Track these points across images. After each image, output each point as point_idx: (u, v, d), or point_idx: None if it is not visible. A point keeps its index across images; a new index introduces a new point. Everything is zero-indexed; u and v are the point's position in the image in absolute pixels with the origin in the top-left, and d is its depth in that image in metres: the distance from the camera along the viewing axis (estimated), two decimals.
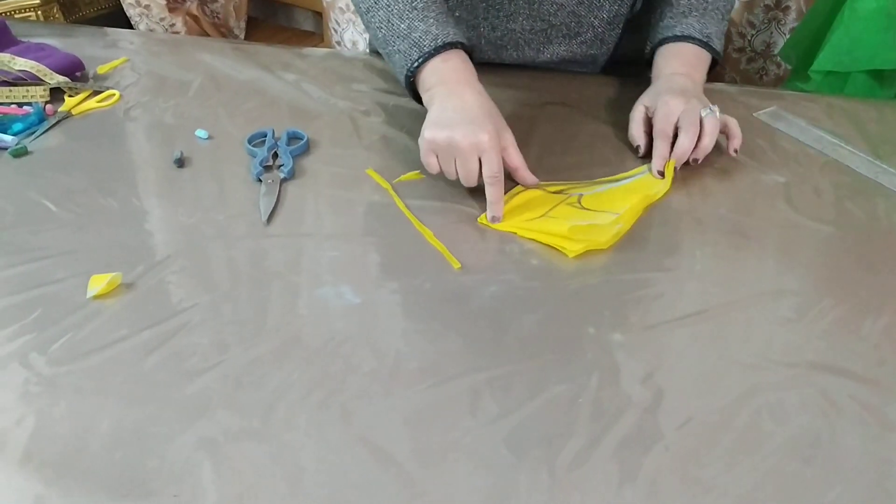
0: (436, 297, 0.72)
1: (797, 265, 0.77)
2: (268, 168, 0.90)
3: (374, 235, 0.80)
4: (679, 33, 1.01)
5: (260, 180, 0.88)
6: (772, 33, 1.95)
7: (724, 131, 0.93)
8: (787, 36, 1.85)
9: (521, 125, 0.99)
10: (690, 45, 1.00)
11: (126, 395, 0.61)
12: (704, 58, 1.01)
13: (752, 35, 1.98)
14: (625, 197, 0.86)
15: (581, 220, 0.80)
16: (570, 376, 0.63)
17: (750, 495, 0.54)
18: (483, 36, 1.11)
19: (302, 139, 0.96)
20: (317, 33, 2.59)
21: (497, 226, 0.81)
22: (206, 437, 0.58)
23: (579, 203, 0.85)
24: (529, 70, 1.14)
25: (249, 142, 0.94)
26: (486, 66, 1.13)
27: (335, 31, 2.34)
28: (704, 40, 1.00)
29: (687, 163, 0.90)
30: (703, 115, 0.90)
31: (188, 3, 2.15)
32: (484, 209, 0.83)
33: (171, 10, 2.11)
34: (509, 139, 0.85)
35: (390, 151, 0.94)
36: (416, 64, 0.88)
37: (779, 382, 0.64)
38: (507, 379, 0.63)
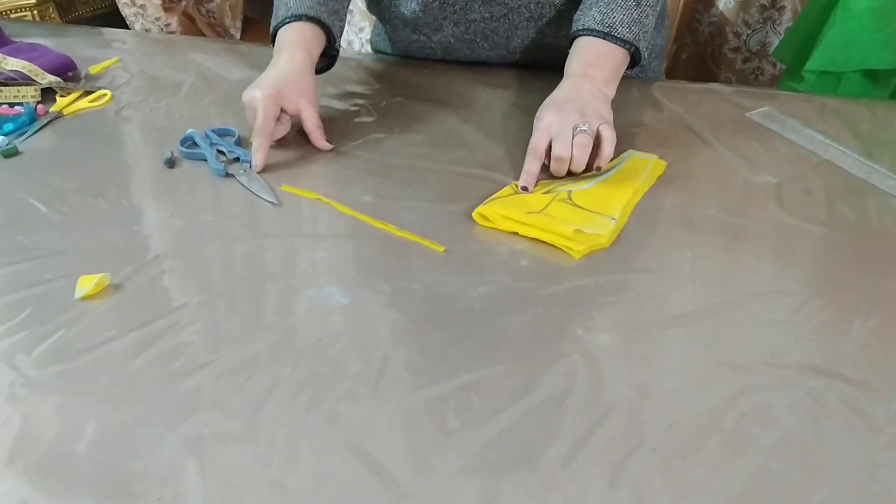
0: (424, 298, 0.72)
1: (788, 266, 0.77)
2: (230, 162, 0.92)
3: (362, 236, 0.80)
4: (581, 27, 0.97)
5: (229, 174, 0.89)
6: (767, 33, 1.96)
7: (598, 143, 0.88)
8: (783, 35, 1.85)
9: (512, 124, 0.99)
10: (591, 39, 0.96)
11: (112, 397, 0.61)
12: (607, 52, 0.96)
13: (748, 35, 1.98)
14: (615, 193, 0.86)
15: (582, 225, 0.79)
16: (558, 378, 0.63)
17: (736, 498, 0.54)
18: (450, 35, 1.11)
19: (233, 134, 0.97)
20: None
21: (495, 224, 0.81)
22: (192, 438, 0.58)
23: (570, 199, 0.84)
24: (512, 67, 1.14)
25: (182, 143, 0.94)
26: (476, 67, 1.14)
27: None
28: (605, 31, 0.95)
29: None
30: (576, 132, 0.86)
31: (183, 3, 2.15)
32: (475, 204, 0.83)
33: (166, 9, 2.10)
34: (303, 104, 0.92)
35: (380, 152, 0.94)
36: (273, 30, 0.99)
37: (766, 384, 0.63)
38: (495, 381, 0.63)
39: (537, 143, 0.87)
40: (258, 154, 0.89)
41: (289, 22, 0.97)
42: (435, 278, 0.74)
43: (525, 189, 0.85)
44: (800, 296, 0.73)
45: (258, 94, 0.90)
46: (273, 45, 0.99)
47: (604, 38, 0.95)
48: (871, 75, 1.36)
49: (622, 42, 0.95)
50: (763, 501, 0.54)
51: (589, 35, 0.96)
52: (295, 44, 0.96)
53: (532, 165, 0.87)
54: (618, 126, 0.94)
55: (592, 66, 0.95)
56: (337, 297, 0.72)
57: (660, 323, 0.69)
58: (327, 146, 0.94)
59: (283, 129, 0.94)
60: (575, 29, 0.98)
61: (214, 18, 2.28)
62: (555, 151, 0.86)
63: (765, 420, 0.60)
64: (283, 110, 0.92)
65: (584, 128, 0.86)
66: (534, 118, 0.91)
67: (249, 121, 0.93)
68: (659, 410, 0.61)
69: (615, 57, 0.96)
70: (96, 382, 0.62)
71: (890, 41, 1.27)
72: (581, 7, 1.00)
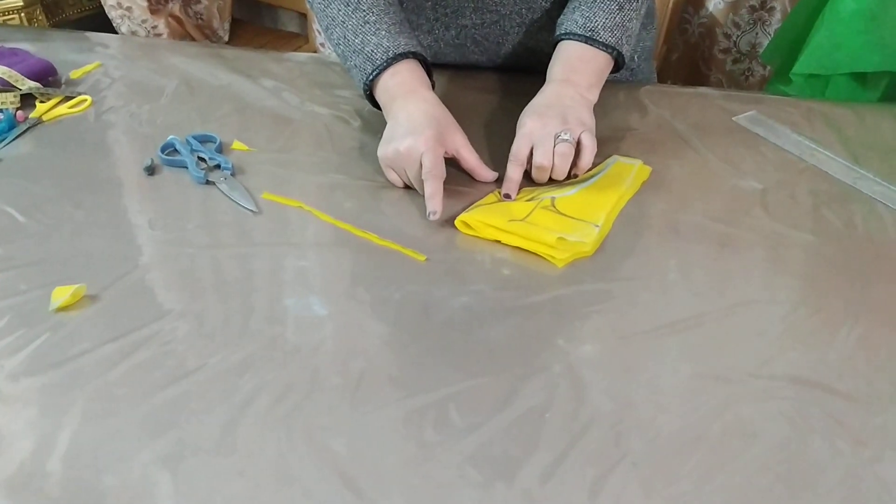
0: (405, 307, 0.71)
1: (773, 274, 0.77)
2: (211, 169, 0.90)
3: (344, 245, 0.79)
4: (564, 31, 0.96)
5: (210, 181, 0.88)
6: (757, 34, 1.95)
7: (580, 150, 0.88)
8: (772, 37, 1.84)
9: (497, 130, 0.98)
10: (574, 43, 0.95)
11: (87, 410, 0.60)
12: (590, 56, 0.95)
13: (738, 36, 1.98)
14: (599, 200, 0.85)
15: (565, 232, 0.78)
16: (538, 390, 0.62)
17: None
18: (440, 39, 1.10)
19: (214, 141, 0.95)
20: (302, 34, 2.57)
21: (478, 233, 0.80)
22: (167, 452, 0.57)
23: (554, 206, 0.83)
24: (502, 72, 1.14)
25: (162, 150, 0.93)
26: (461, 70, 1.13)
27: (319, 32, 2.32)
28: (587, 35, 0.93)
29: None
30: (557, 141, 0.85)
31: (170, 5, 2.14)
32: (457, 213, 0.82)
33: (153, 12, 2.09)
34: (460, 141, 0.87)
35: (364, 158, 0.93)
36: (370, 77, 0.91)
37: (751, 396, 0.63)
38: (474, 393, 0.62)
39: (519, 150, 0.87)
40: (435, 200, 0.81)
41: (392, 63, 0.90)
42: (416, 288, 0.73)
43: (508, 196, 0.85)
44: (785, 305, 0.73)
45: (419, 142, 0.83)
46: (366, 91, 0.93)
47: (586, 43, 0.94)
48: (860, 78, 1.36)
49: (605, 46, 0.94)
50: None
51: (571, 39, 0.95)
52: (417, 84, 0.90)
53: (514, 172, 0.86)
54: (603, 130, 0.94)
55: (575, 70, 0.94)
56: (317, 307, 0.71)
57: (643, 333, 0.69)
58: (494, 175, 0.89)
59: (443, 173, 0.85)
60: (558, 33, 0.97)
61: (202, 20, 2.27)
62: (536, 160, 0.86)
63: (749, 433, 0.60)
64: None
65: (565, 137, 0.85)
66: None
67: (400, 173, 0.87)
68: (641, 423, 0.60)
69: (598, 61, 0.95)
70: (71, 396, 0.61)
71: (878, 44, 1.27)
72: (564, 11, 0.99)
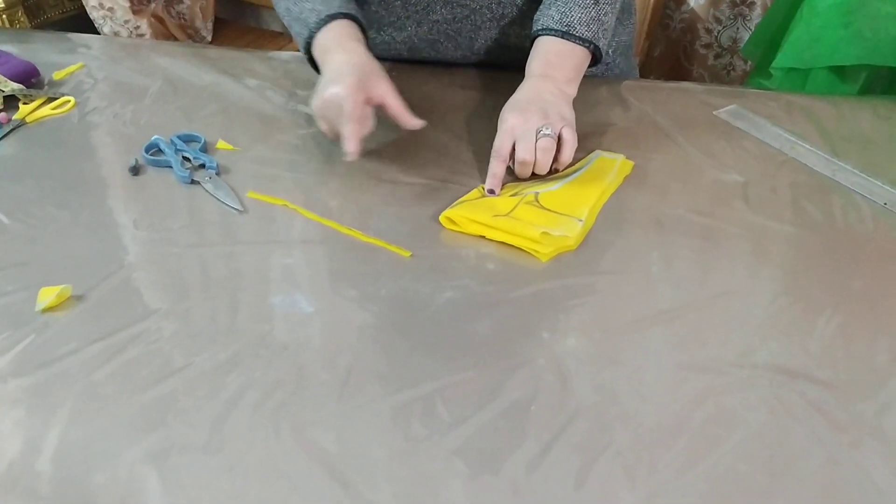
0: (391, 303, 0.72)
1: (754, 266, 0.78)
2: (195, 169, 0.91)
3: (329, 242, 0.80)
4: (541, 27, 0.97)
5: (195, 181, 0.88)
6: (738, 29, 1.97)
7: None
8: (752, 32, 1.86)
9: (478, 126, 0.99)
10: (550, 38, 0.96)
11: (74, 410, 0.60)
12: (567, 51, 0.96)
13: (719, 31, 1.99)
14: (582, 194, 0.86)
15: (549, 227, 0.79)
16: (524, 382, 0.63)
17: (702, 499, 0.55)
18: (413, 35, 1.11)
19: (199, 141, 0.95)
20: (285, 34, 2.57)
21: (462, 228, 0.81)
22: (155, 450, 0.57)
23: (537, 201, 0.84)
24: (479, 68, 1.14)
25: (147, 150, 0.93)
26: (439, 67, 1.13)
27: None
28: (563, 30, 0.95)
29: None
30: (539, 135, 0.86)
31: (153, 5, 2.13)
32: (441, 209, 0.83)
33: (135, 12, 2.08)
34: (384, 87, 0.89)
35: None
36: (307, 41, 0.95)
37: (732, 385, 0.64)
38: (461, 387, 0.63)
39: (501, 145, 0.87)
40: (351, 141, 0.84)
41: (324, 24, 0.94)
42: (401, 284, 0.74)
43: (492, 192, 0.85)
44: (766, 295, 0.74)
45: (340, 89, 0.85)
46: (305, 54, 0.97)
47: (562, 38, 0.95)
48: (839, 72, 1.37)
49: (581, 41, 0.95)
50: (728, 503, 0.55)
51: (548, 34, 0.96)
52: (345, 38, 0.93)
53: (497, 168, 0.87)
54: (585, 125, 0.94)
55: (552, 65, 0.95)
56: (303, 305, 0.71)
57: (626, 325, 0.70)
58: (420, 123, 0.90)
59: (370, 123, 0.88)
60: (535, 29, 0.98)
61: (185, 20, 2.26)
62: (518, 155, 0.86)
63: (730, 421, 0.60)
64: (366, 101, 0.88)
65: (546, 131, 0.86)
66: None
67: (326, 125, 0.90)
68: (624, 414, 0.61)
69: (575, 56, 0.96)
70: (58, 396, 0.62)
71: (856, 37, 1.28)
72: (541, 7, 1.00)
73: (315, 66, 0.97)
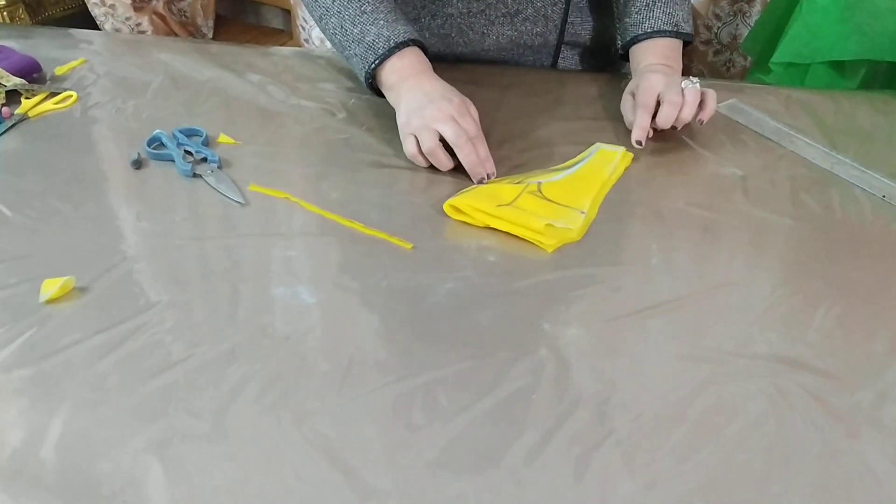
0: (392, 295, 0.72)
1: (754, 257, 0.78)
2: (197, 163, 0.91)
3: (331, 234, 0.80)
4: (649, 29, 1.03)
5: (197, 174, 0.89)
6: (738, 25, 1.97)
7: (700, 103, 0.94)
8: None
9: (481, 119, 0.99)
10: (663, 39, 1.03)
11: (78, 400, 0.61)
12: (678, 46, 1.04)
13: (719, 27, 1.99)
14: (584, 186, 0.87)
15: (553, 219, 0.80)
16: (525, 372, 0.64)
17: (701, 488, 0.55)
18: (426, 28, 1.12)
19: (201, 135, 0.96)
20: (286, 31, 2.58)
21: (466, 218, 0.81)
22: (158, 439, 0.57)
23: (540, 192, 0.84)
24: (487, 64, 1.15)
25: (149, 144, 0.93)
26: (441, 61, 1.13)
27: (303, 28, 2.32)
28: (674, 30, 1.03)
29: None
30: (684, 86, 0.92)
31: (154, 2, 2.13)
32: (443, 200, 0.83)
33: (136, 9, 2.08)
34: (475, 111, 0.90)
35: (350, 149, 0.94)
36: (372, 66, 0.93)
37: (731, 374, 0.64)
38: (462, 376, 0.63)
39: (647, 98, 0.93)
40: (489, 162, 0.87)
41: (397, 51, 0.93)
42: (403, 275, 0.74)
43: (639, 143, 0.91)
44: (765, 286, 0.74)
45: (455, 104, 0.88)
46: (367, 77, 0.95)
47: (675, 37, 1.03)
48: (838, 67, 1.37)
49: (686, 36, 1.04)
50: (727, 491, 0.55)
51: (661, 37, 1.03)
52: (424, 66, 0.95)
53: (643, 119, 0.92)
54: (587, 118, 0.95)
55: (670, 59, 1.02)
56: (305, 296, 0.72)
57: (627, 316, 0.70)
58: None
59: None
60: (641, 31, 1.04)
61: (186, 17, 2.26)
62: (668, 97, 0.91)
63: (729, 410, 0.61)
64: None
65: (694, 82, 0.92)
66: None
67: (426, 139, 0.87)
68: (625, 403, 0.61)
69: (681, 49, 1.05)
70: (62, 386, 0.62)
71: (855, 32, 1.28)
72: (630, 10, 1.05)
73: (372, 88, 0.97)
